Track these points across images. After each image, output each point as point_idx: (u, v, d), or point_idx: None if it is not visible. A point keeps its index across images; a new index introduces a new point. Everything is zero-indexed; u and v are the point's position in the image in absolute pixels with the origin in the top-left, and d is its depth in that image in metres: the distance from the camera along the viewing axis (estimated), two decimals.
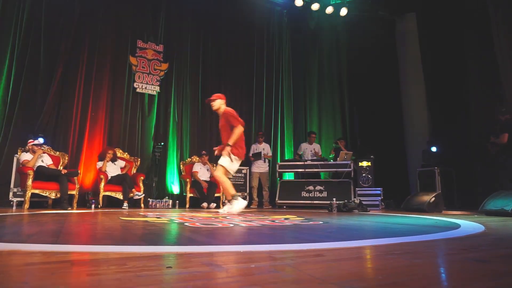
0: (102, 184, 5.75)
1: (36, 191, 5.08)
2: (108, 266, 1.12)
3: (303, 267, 1.14)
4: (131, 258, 1.28)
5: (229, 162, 4.44)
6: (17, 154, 5.51)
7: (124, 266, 1.12)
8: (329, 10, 8.52)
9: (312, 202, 6.78)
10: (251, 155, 7.35)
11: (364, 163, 6.86)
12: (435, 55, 7.86)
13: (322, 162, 7.08)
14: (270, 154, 7.58)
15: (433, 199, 5.28)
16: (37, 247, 1.50)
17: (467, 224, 2.88)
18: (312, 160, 7.22)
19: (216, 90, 7.86)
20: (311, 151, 7.55)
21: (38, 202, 5.47)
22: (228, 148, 4.40)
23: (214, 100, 4.74)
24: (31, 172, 5.03)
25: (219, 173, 4.43)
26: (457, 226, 2.69)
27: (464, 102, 7.35)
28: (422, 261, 1.33)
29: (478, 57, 7.09)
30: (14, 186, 5.35)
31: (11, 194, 5.32)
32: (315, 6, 8.47)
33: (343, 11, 8.46)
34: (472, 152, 6.78)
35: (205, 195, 6.46)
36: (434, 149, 7.07)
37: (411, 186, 7.73)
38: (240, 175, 7.27)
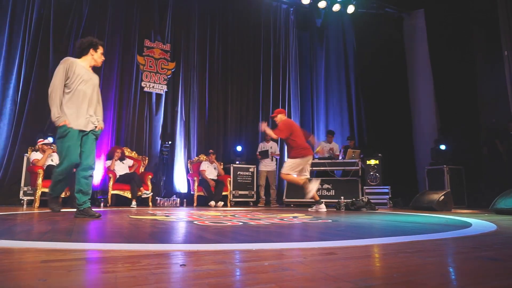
0: (111, 183, 5.79)
1: (46, 190, 5.13)
2: (122, 264, 1.13)
3: (316, 265, 1.14)
4: (144, 256, 1.29)
5: None
6: (27, 153, 5.59)
7: (138, 263, 1.13)
8: (336, 7, 8.47)
9: None
10: (258, 153, 7.35)
11: (372, 161, 6.82)
12: (443, 51, 7.77)
13: (330, 161, 7.05)
14: (278, 152, 7.56)
15: (442, 197, 5.24)
16: (51, 245, 1.52)
17: (479, 223, 2.86)
18: (319, 158, 7.19)
19: (223, 88, 7.95)
20: (329, 149, 7.50)
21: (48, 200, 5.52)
22: None
23: (275, 115, 5.45)
24: (41, 171, 5.09)
25: None
26: (468, 225, 2.67)
27: (473, 99, 7.26)
28: (435, 259, 1.32)
29: (487, 53, 7.00)
30: (25, 185, 5.42)
31: (21, 192, 5.38)
32: (322, 4, 8.43)
33: (350, 9, 8.40)
34: (480, 150, 6.71)
35: (213, 193, 6.48)
36: (443, 147, 6.99)
37: (420, 185, 7.66)
38: (247, 173, 7.27)
